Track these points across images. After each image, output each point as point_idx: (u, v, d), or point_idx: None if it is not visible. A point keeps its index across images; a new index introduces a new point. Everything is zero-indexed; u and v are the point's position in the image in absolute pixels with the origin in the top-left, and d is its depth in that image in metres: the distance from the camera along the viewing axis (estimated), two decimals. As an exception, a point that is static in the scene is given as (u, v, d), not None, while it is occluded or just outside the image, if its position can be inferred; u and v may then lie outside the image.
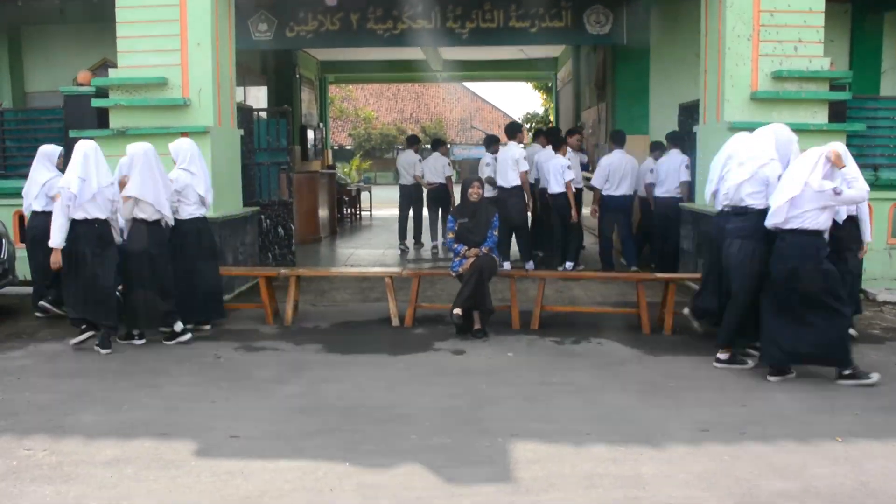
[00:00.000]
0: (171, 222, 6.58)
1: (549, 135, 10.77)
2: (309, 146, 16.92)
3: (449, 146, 17.86)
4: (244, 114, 9.79)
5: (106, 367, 5.89)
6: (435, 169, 12.14)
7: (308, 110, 17.88)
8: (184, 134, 8.25)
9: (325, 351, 6.32)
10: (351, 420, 4.68)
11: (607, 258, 9.71)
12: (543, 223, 10.43)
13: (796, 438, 4.37)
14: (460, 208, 7.15)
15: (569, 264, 9.67)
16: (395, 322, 7.16)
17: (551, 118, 22.36)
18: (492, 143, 10.90)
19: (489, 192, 9.74)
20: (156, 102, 8.27)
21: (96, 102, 8.41)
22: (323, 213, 13.66)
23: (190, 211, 6.84)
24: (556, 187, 9.60)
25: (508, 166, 9.59)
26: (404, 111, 44.45)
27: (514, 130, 10.20)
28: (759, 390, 5.28)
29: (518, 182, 9.53)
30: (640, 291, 6.94)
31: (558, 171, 9.52)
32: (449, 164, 12.30)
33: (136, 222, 6.44)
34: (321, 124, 18.96)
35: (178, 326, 6.54)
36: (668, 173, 9.52)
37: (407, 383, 5.44)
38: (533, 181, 10.10)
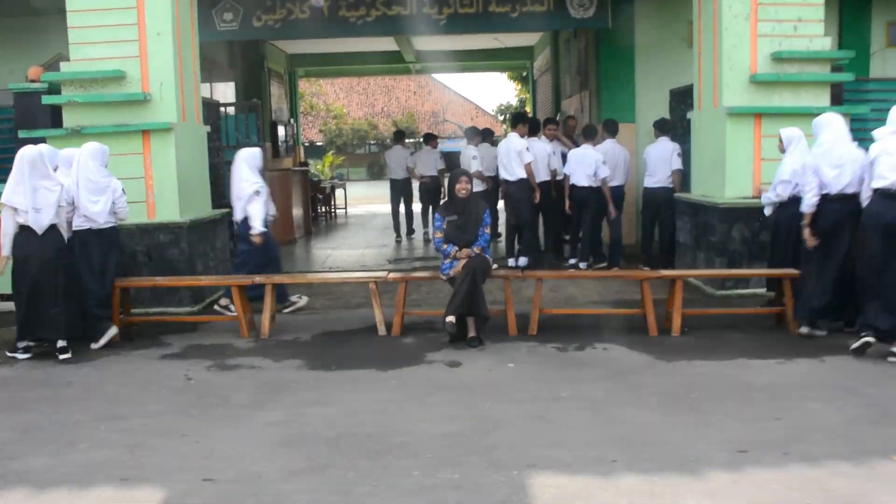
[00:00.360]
0: (38, 230, 5.90)
1: (531, 122, 10.12)
2: (280, 143, 16.21)
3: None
4: (211, 109, 9.11)
5: (62, 394, 5.21)
6: (427, 162, 12.33)
7: (278, 105, 17.14)
8: (145, 133, 7.63)
9: (308, 367, 5.69)
10: (342, 453, 4.07)
11: (599, 253, 9.18)
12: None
13: (847, 458, 3.84)
14: (448, 205, 6.52)
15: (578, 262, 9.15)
16: (382, 331, 6.54)
17: (527, 109, 21.81)
18: (475, 135, 10.35)
19: (478, 187, 9.27)
20: (113, 98, 7.56)
21: (47, 100, 7.68)
22: (297, 211, 12.99)
23: (78, 223, 6.37)
24: (583, 181, 9.03)
25: (512, 158, 9.03)
26: (375, 105, 43.64)
27: (515, 121, 9.64)
28: (789, 399, 4.75)
29: (524, 174, 8.99)
30: (644, 290, 6.39)
31: (590, 164, 8.96)
32: (440, 157, 12.59)
33: (20, 228, 5.94)
34: (292, 120, 18.20)
35: (61, 343, 6.03)
36: (659, 162, 8.96)
37: (402, 404, 4.83)
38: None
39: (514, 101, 25.97)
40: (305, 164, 17.18)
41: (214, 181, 9.08)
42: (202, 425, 4.54)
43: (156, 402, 5.00)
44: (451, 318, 6.01)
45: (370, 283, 6.65)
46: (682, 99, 9.13)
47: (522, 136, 9.24)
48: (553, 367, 5.54)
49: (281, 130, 16.45)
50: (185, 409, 4.82)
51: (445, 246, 6.33)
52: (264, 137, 15.28)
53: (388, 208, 13.30)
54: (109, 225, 6.48)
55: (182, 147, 7.74)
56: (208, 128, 8.63)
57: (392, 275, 6.74)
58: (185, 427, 4.51)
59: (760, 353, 5.74)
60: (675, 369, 5.43)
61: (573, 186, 9.11)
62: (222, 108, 9.55)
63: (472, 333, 6.16)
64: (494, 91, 72.51)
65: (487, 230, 6.40)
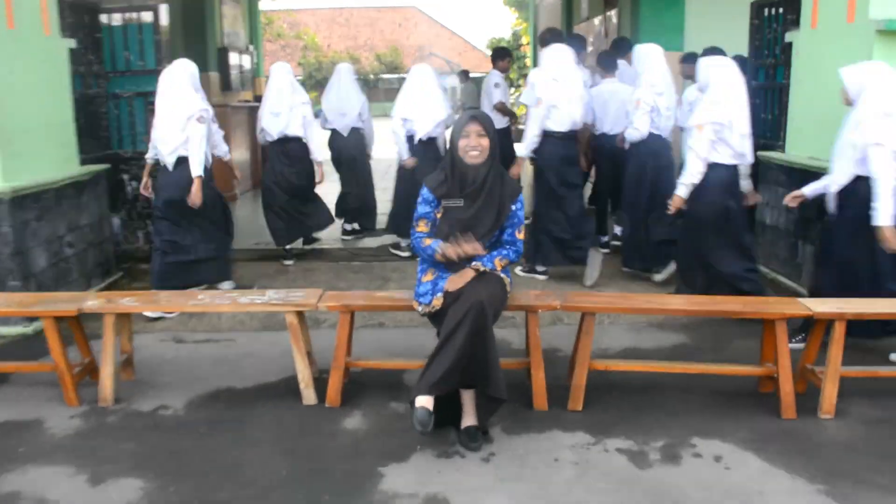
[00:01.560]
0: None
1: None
2: (232, 74, 12.98)
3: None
4: (81, 14, 5.90)
5: None
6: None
7: (232, 29, 13.77)
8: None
9: (143, 513, 2.75)
10: None
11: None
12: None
13: None
14: (445, 179, 3.35)
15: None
16: (309, 399, 3.59)
17: (525, 41, 18.48)
18: (501, 58, 7.77)
19: (500, 123, 7.14)
20: None
21: None
22: (239, 157, 9.85)
23: None
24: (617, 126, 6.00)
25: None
26: (358, 38, 39.63)
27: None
28: None
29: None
30: (780, 336, 3.44)
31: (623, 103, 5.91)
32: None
33: None
34: (251, 47, 14.85)
35: None
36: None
37: None
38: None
39: (507, 34, 22.46)
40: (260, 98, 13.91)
41: (92, 124, 5.97)
42: None
43: None
44: (423, 401, 3.01)
45: (289, 316, 3.62)
46: (773, 14, 6.02)
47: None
48: (636, 529, 2.63)
49: (234, 59, 13.23)
50: None
51: (428, 242, 3.32)
52: (209, 67, 12.07)
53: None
54: None
55: (8, 71, 4.63)
56: (72, 42, 5.48)
57: (326, 302, 3.67)
58: None
59: None
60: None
61: (603, 136, 6.09)
62: (104, 16, 6.24)
63: (469, 422, 3.21)
64: (485, 25, 66.48)
65: (521, 234, 3.38)
